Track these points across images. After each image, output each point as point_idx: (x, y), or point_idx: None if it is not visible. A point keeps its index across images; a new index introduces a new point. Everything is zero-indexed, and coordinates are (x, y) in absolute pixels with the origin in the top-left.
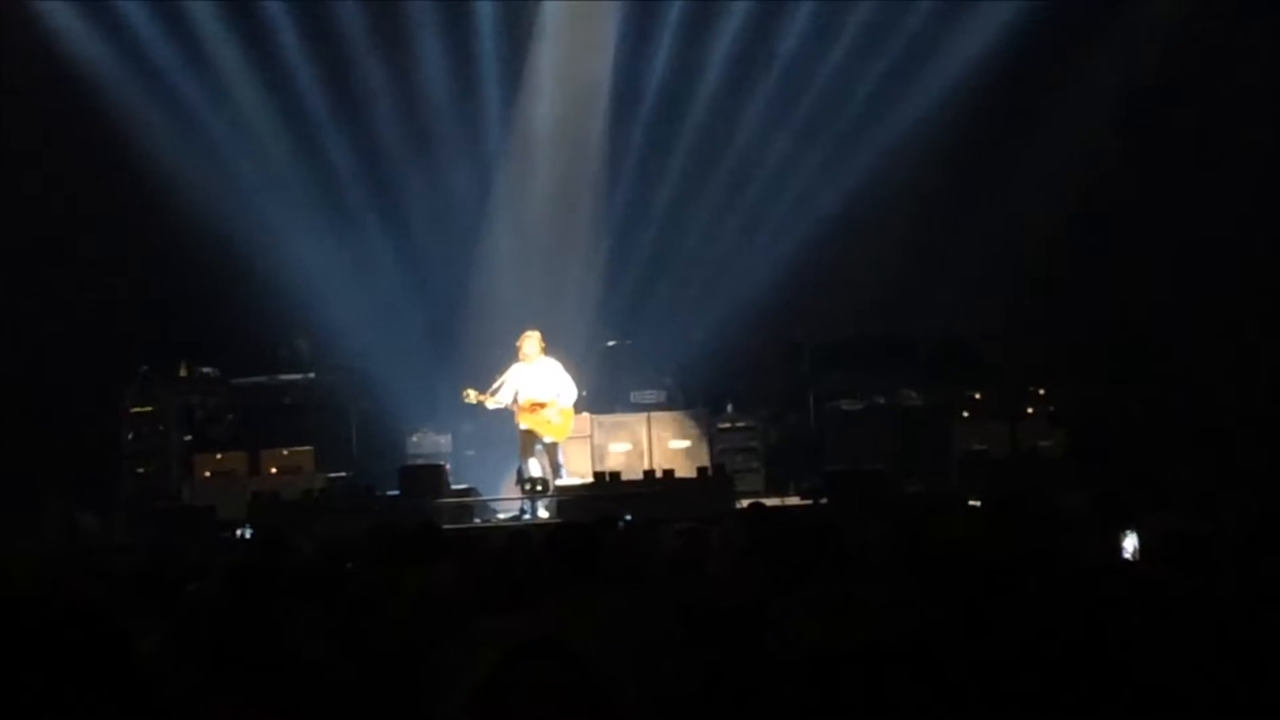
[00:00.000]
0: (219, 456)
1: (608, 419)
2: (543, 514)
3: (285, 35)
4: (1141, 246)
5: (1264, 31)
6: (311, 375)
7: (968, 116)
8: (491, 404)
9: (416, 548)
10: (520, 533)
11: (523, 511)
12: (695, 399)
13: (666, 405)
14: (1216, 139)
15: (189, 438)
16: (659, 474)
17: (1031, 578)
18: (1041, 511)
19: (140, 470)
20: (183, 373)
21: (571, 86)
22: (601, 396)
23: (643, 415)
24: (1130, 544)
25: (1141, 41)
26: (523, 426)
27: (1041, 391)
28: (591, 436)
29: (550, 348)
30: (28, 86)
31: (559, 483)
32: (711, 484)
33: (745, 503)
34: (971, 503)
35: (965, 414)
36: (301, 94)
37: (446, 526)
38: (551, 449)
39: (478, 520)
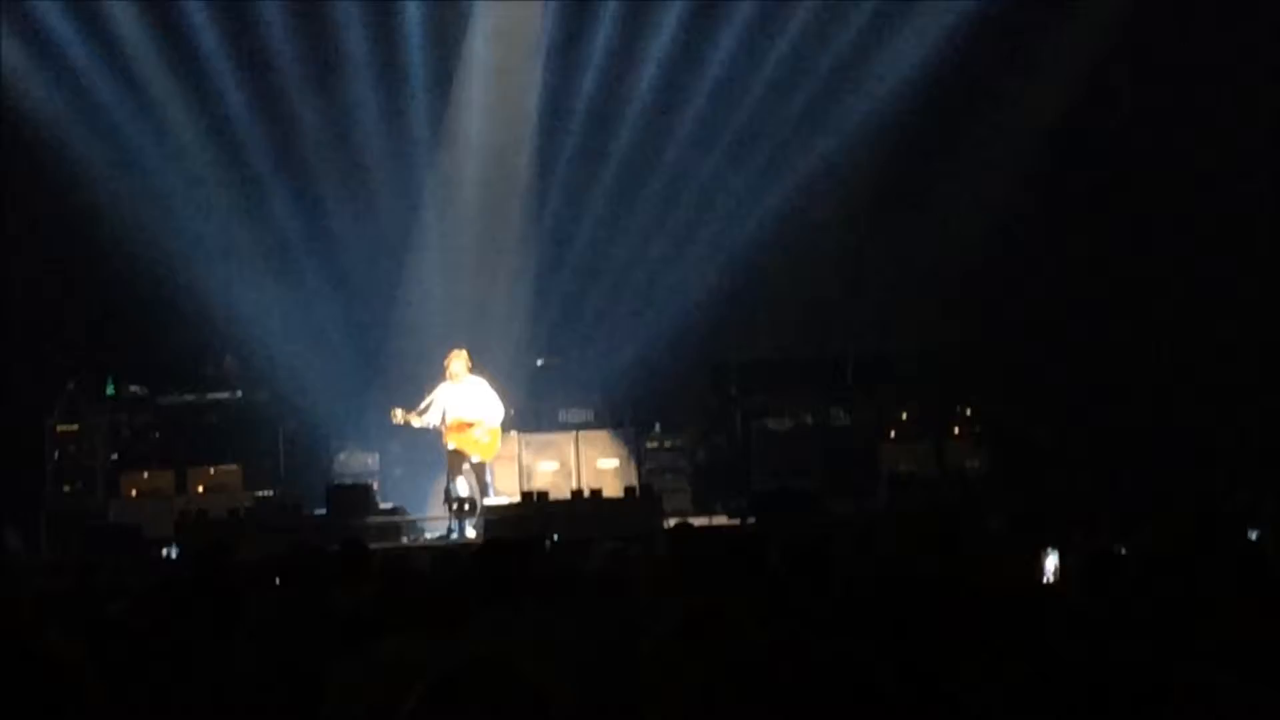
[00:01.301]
0: (145, 475)
1: (535, 438)
2: (470, 533)
3: (215, 58)
4: (1068, 266)
5: (1183, 57)
6: (239, 394)
7: (895, 135)
8: (419, 423)
9: (341, 567)
10: (447, 552)
11: (450, 531)
12: (623, 418)
13: (594, 424)
14: (1137, 160)
15: (116, 456)
16: (587, 493)
17: (947, 597)
18: (963, 532)
19: (66, 488)
20: (110, 391)
21: (499, 106)
22: (529, 416)
23: (570, 434)
24: (1050, 565)
25: (1063, 65)
26: (450, 446)
27: (969, 412)
28: (519, 456)
29: (478, 366)
30: None
31: (487, 502)
32: (639, 503)
33: (672, 522)
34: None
35: (892, 434)
36: (230, 116)
37: (374, 546)
38: (479, 468)
39: (405, 539)
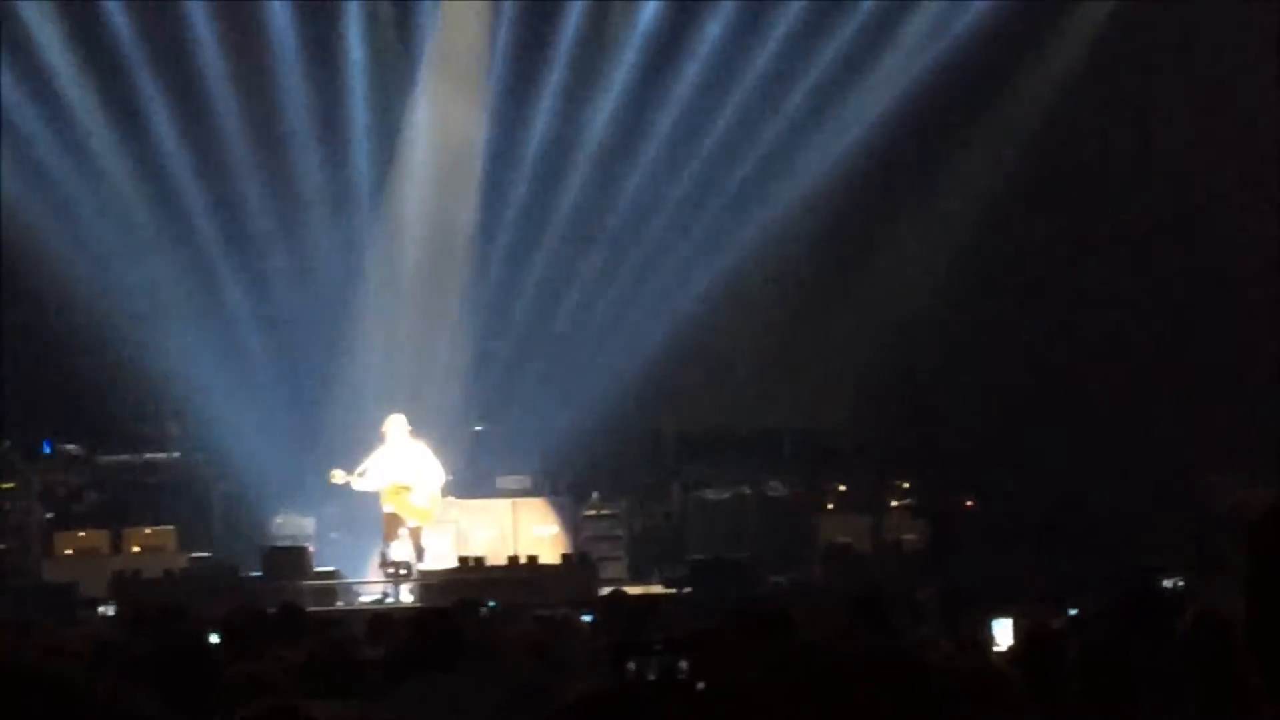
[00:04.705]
0: (81, 534)
1: (473, 504)
2: (406, 598)
3: (157, 117)
4: (1008, 338)
5: (1124, 126)
6: (176, 454)
7: (840, 205)
8: (358, 485)
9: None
10: (382, 616)
11: (386, 595)
12: (561, 486)
13: (532, 491)
14: (1076, 232)
15: (51, 515)
16: (523, 560)
17: (881, 673)
18: (897, 606)
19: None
20: (46, 449)
21: (442, 171)
22: (467, 481)
23: (508, 501)
24: (1002, 633)
25: (1005, 139)
26: (388, 509)
27: (906, 485)
28: (456, 521)
29: (417, 431)
30: None
31: (422, 567)
32: (575, 571)
33: (607, 590)
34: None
35: (829, 506)
36: (172, 173)
37: (310, 609)
38: (416, 533)
39: (341, 603)
